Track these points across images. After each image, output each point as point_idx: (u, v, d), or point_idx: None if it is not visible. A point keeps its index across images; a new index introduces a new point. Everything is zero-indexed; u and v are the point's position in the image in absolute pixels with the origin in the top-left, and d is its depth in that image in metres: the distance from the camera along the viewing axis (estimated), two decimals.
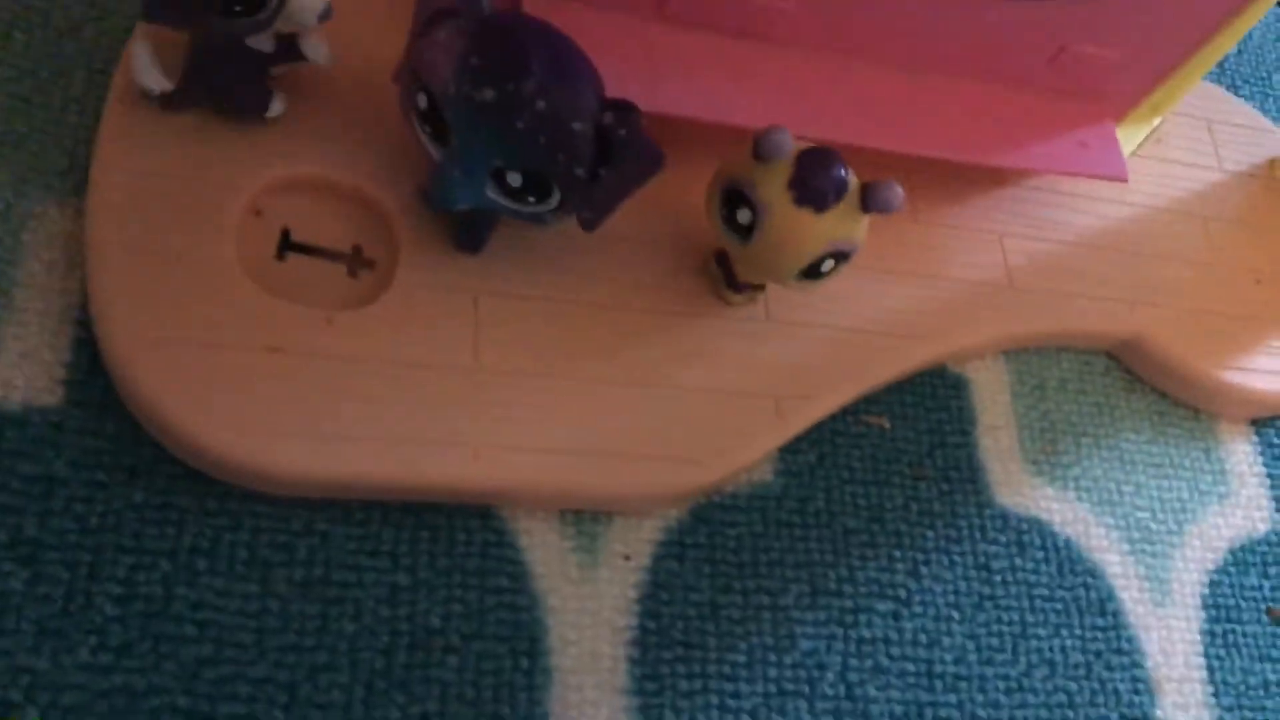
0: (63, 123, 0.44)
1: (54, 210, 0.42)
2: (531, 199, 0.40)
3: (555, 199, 0.40)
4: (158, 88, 0.41)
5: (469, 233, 0.43)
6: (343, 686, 0.39)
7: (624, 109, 0.37)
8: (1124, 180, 0.53)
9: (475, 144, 0.38)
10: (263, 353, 0.40)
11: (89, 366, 0.40)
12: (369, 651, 0.40)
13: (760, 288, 0.47)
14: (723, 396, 0.46)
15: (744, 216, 0.42)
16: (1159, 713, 0.48)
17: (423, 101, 0.38)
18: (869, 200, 0.41)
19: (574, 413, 0.43)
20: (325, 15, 0.41)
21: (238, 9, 0.39)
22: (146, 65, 0.41)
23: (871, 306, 0.50)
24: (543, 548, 0.43)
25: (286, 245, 0.43)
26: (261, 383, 0.39)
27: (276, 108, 0.43)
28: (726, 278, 0.47)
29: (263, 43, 0.41)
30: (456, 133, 0.38)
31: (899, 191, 0.41)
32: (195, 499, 0.40)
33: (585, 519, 0.44)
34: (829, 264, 0.43)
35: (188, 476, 0.40)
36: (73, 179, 0.43)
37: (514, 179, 0.39)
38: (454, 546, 0.42)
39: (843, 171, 0.41)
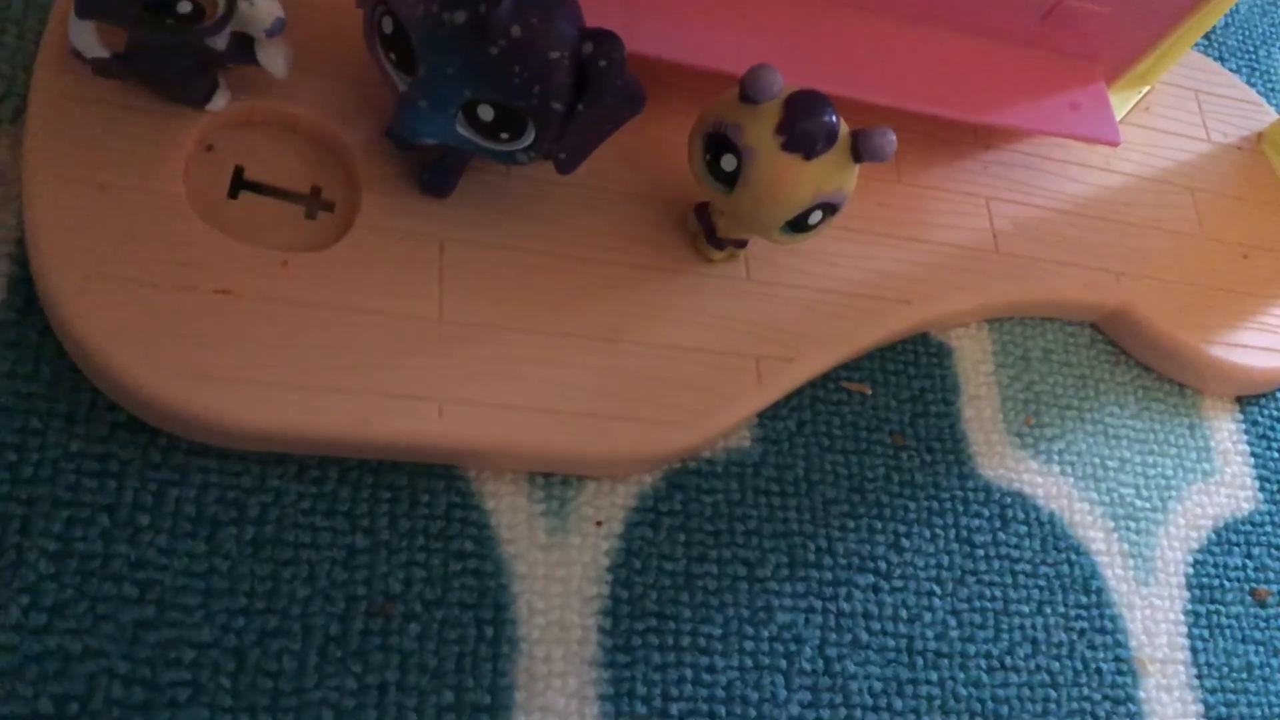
0: (0, 46, 0.41)
1: None
2: (504, 135, 0.37)
3: (529, 136, 0.37)
4: (91, 53, 0.38)
5: (436, 174, 0.41)
6: (295, 654, 0.37)
7: (605, 39, 0.35)
8: (1116, 144, 0.51)
9: (444, 73, 0.36)
10: (211, 294, 0.37)
11: (24, 306, 0.38)
12: (323, 617, 0.38)
13: (742, 244, 0.45)
14: (701, 356, 0.44)
15: (728, 163, 0.40)
16: (1142, 694, 0.47)
17: (388, 25, 0.36)
18: (861, 148, 0.39)
19: (545, 369, 0.41)
20: (275, 30, 0.38)
21: (170, 21, 0.36)
22: (83, 26, 0.38)
23: (855, 268, 0.48)
24: (510, 511, 0.41)
25: (240, 183, 0.40)
26: (209, 326, 0.37)
27: (219, 102, 0.40)
28: (707, 232, 0.45)
29: (215, 40, 0.38)
30: (424, 60, 0.36)
31: (892, 139, 0.39)
32: (137, 450, 0.37)
33: (555, 482, 0.42)
34: (817, 216, 0.41)
35: (129, 426, 0.38)
36: (9, 106, 0.40)
37: (486, 113, 0.37)
38: (416, 508, 0.40)
39: (833, 117, 0.39)
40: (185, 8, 0.35)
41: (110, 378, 0.36)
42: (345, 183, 0.42)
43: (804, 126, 0.39)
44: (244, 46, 0.39)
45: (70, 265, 0.36)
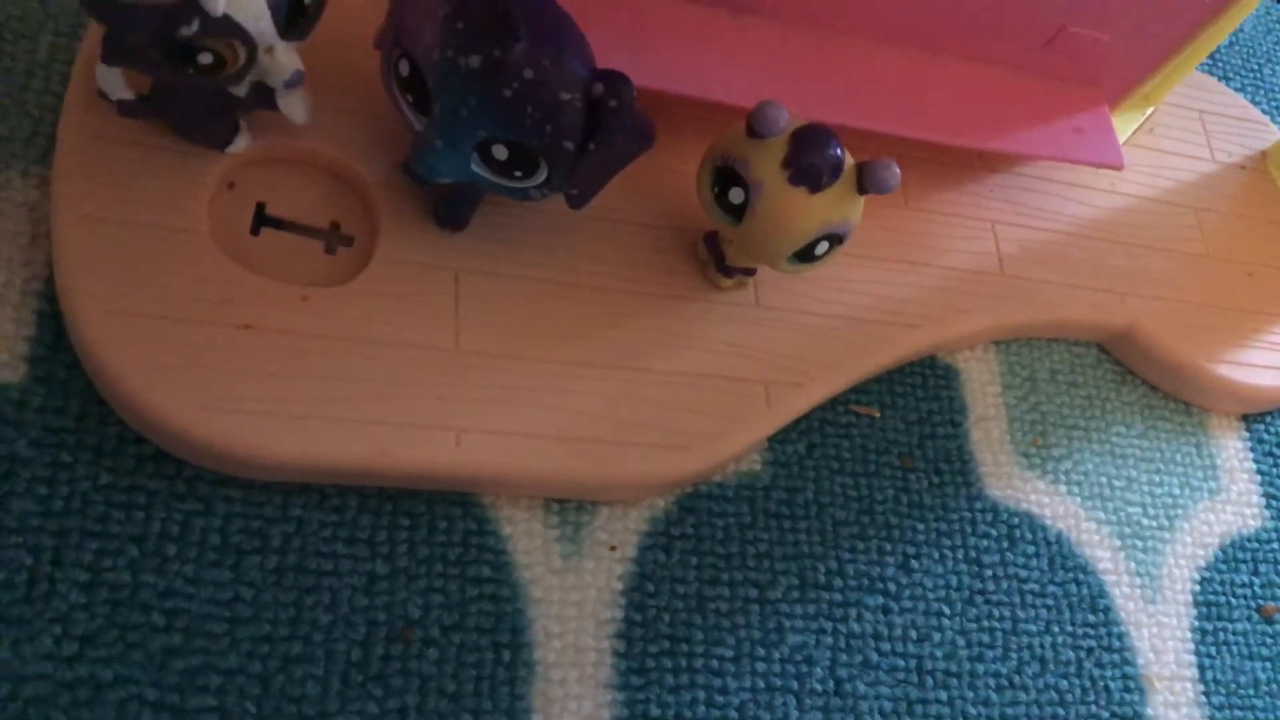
0: (27, 89, 0.42)
1: (17, 180, 0.41)
2: (518, 173, 0.38)
3: (542, 174, 0.38)
4: (116, 95, 0.39)
5: (451, 209, 0.42)
6: (317, 679, 0.38)
7: (615, 80, 0.36)
8: (1120, 168, 0.52)
9: (459, 113, 0.36)
10: (235, 329, 0.38)
11: (53, 342, 0.39)
12: (345, 643, 0.38)
13: (751, 272, 0.46)
14: (712, 382, 0.44)
15: (736, 196, 0.41)
16: (1150, 711, 0.47)
17: (405, 68, 0.37)
18: (865, 180, 0.40)
19: (559, 397, 0.42)
20: (294, 82, 0.38)
21: (191, 71, 0.37)
22: (109, 70, 0.38)
23: (862, 293, 0.49)
24: (526, 537, 0.42)
25: (261, 220, 0.41)
26: (233, 361, 0.38)
27: (240, 144, 0.41)
28: (716, 261, 0.45)
29: (237, 87, 0.39)
30: (440, 101, 0.37)
31: (896, 171, 0.40)
32: (164, 481, 0.38)
33: (570, 508, 0.43)
34: (823, 246, 0.42)
35: (156, 458, 0.38)
36: (37, 147, 0.41)
37: (500, 152, 0.38)
38: (434, 535, 0.41)
39: (838, 150, 0.40)
40: (206, 59, 0.36)
41: (137, 411, 0.37)
42: (363, 217, 0.43)
43: (810, 160, 0.40)
44: (265, 93, 0.39)
45: (98, 301, 0.37)
